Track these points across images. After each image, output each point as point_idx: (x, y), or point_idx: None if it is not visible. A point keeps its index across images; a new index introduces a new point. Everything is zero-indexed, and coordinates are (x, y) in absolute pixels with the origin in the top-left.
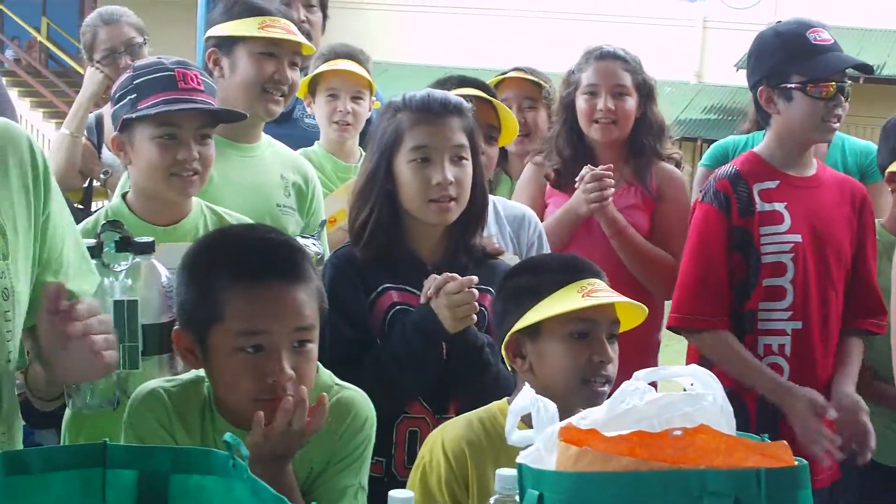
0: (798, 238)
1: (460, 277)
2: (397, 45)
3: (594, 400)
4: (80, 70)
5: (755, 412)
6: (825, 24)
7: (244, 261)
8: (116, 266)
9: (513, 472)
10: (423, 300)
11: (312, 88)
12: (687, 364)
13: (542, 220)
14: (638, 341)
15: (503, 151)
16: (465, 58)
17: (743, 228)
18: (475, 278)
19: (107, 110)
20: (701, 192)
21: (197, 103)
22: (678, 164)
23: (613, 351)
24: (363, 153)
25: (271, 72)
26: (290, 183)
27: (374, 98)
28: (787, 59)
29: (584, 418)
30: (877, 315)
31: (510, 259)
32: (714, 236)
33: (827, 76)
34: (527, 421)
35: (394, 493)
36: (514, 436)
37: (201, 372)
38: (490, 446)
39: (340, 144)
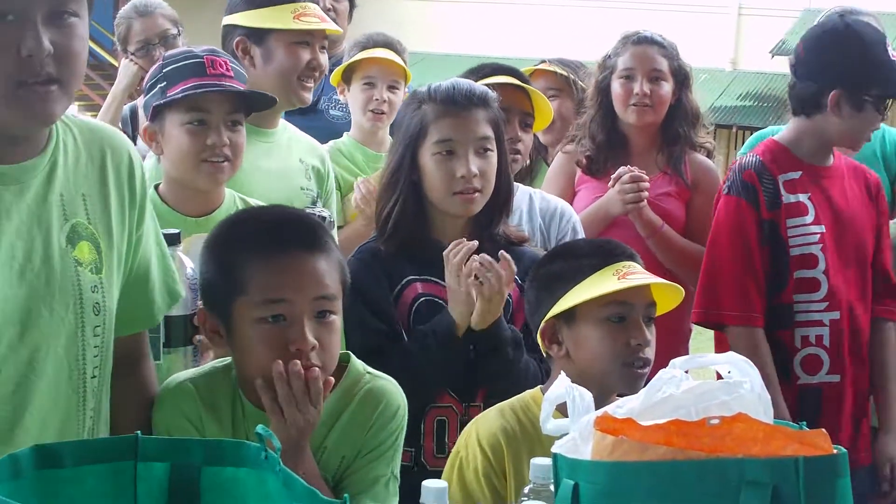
0: (822, 229)
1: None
2: (432, 34)
3: (634, 383)
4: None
5: (796, 406)
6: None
7: (264, 233)
8: None
9: (548, 461)
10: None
11: (347, 76)
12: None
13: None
14: (669, 329)
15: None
16: (499, 47)
17: (772, 221)
18: (475, 243)
19: (141, 102)
20: (726, 183)
21: (225, 87)
22: (710, 154)
23: (651, 333)
24: None
25: (307, 60)
26: (309, 167)
27: (407, 89)
28: (870, 70)
29: (621, 407)
30: (891, 302)
31: (536, 251)
32: (748, 229)
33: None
34: (561, 409)
35: (428, 483)
36: (550, 425)
37: (228, 360)
38: (524, 436)
39: (373, 133)
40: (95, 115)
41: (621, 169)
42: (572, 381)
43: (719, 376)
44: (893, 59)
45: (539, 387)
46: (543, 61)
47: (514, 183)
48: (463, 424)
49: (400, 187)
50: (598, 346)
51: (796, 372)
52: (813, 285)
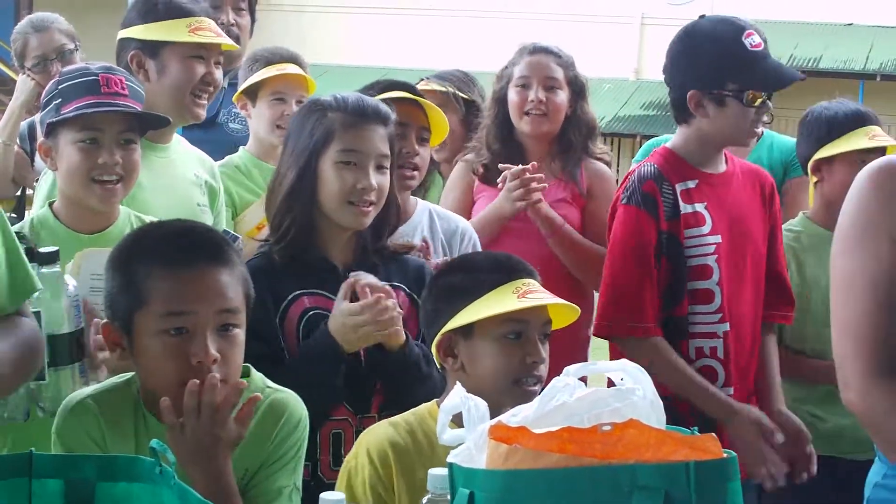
0: (719, 239)
1: (368, 278)
2: (333, 46)
3: (525, 400)
4: (15, 77)
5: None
6: (762, 19)
7: (168, 245)
8: None
9: (444, 471)
10: (335, 309)
11: (251, 91)
12: None
13: (470, 217)
14: (568, 336)
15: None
16: (401, 59)
17: (670, 233)
18: (389, 289)
19: (38, 118)
20: (624, 192)
21: (119, 107)
22: (608, 165)
23: (545, 350)
24: None
25: (202, 74)
26: (202, 181)
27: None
28: (721, 65)
29: (515, 416)
30: (786, 306)
31: (420, 259)
32: (646, 240)
33: (764, 89)
34: (458, 421)
35: (325, 496)
36: (446, 435)
37: (129, 374)
38: (417, 449)
39: (275, 148)
40: None
41: (505, 170)
42: None
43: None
44: (752, 50)
45: (435, 400)
46: (422, 79)
47: (413, 197)
48: (358, 435)
49: (304, 196)
50: (494, 361)
51: None
52: (707, 297)
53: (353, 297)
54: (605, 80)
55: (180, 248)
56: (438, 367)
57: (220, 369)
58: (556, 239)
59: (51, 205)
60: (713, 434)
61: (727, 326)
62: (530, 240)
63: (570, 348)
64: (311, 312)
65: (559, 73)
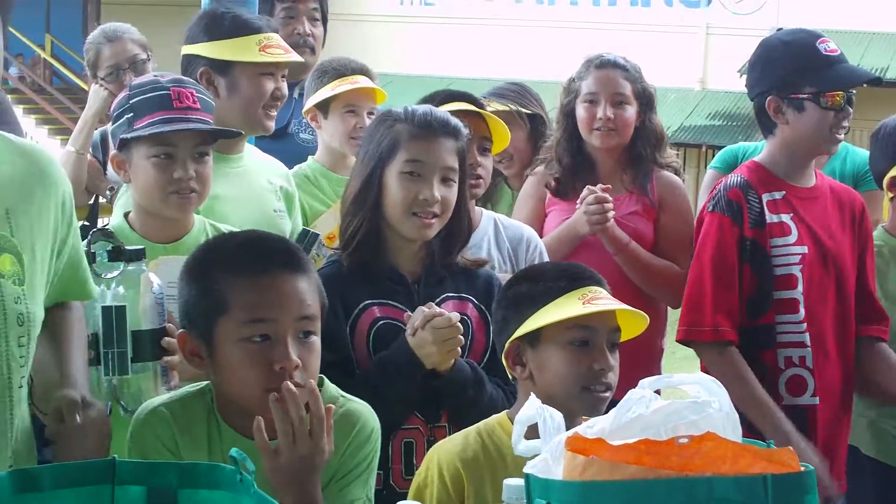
0: (805, 249)
1: (447, 313)
2: (399, 56)
3: (596, 406)
4: (85, 87)
5: None
6: (829, 28)
7: (247, 253)
8: (108, 274)
9: (520, 482)
10: (409, 332)
11: (323, 103)
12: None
13: (542, 231)
14: (641, 348)
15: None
16: (465, 69)
17: (754, 240)
18: (457, 315)
19: (110, 129)
20: (710, 201)
21: (191, 122)
22: (677, 173)
23: (614, 359)
24: None
25: (272, 90)
26: (277, 187)
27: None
28: (797, 69)
29: (591, 427)
30: (880, 322)
31: (502, 276)
32: (728, 247)
33: (839, 88)
34: (529, 432)
35: None
36: (521, 446)
37: (203, 383)
38: (487, 461)
39: (346, 158)
40: (65, 139)
41: (586, 190)
42: None
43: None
44: (826, 54)
45: (505, 411)
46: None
47: (478, 208)
48: (430, 444)
49: (368, 203)
50: (561, 369)
51: (781, 393)
52: (792, 306)
53: None
54: (671, 89)
55: (259, 256)
56: (510, 376)
57: (300, 376)
58: (624, 257)
59: (126, 215)
60: (790, 447)
61: (813, 336)
62: (602, 253)
63: (643, 360)
64: (381, 322)
65: (627, 88)
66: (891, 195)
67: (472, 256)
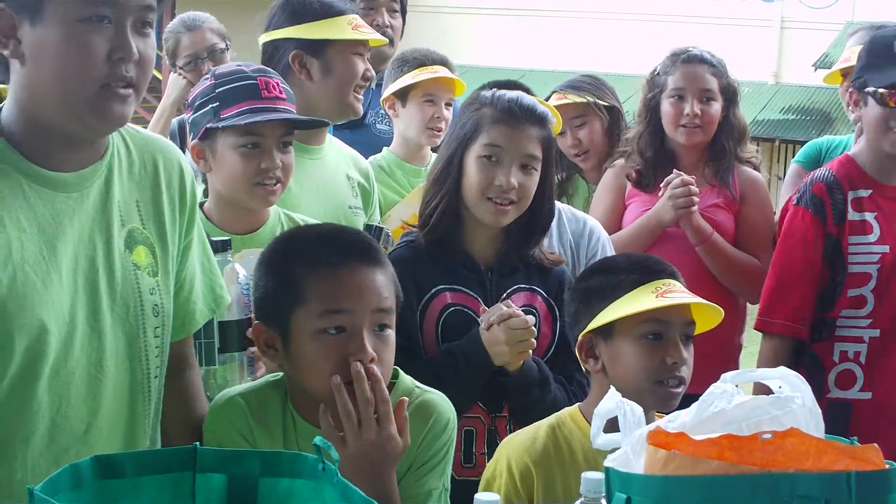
0: (885, 249)
1: (523, 314)
2: (473, 47)
3: (668, 401)
4: (159, 76)
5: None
6: None
7: (324, 246)
8: None
9: (599, 475)
10: (483, 326)
11: (401, 92)
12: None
13: (622, 223)
14: (720, 344)
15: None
16: (541, 61)
17: (835, 237)
18: (533, 319)
19: (189, 118)
20: (796, 193)
21: (280, 112)
22: (756, 168)
23: (688, 353)
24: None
25: (363, 70)
26: (355, 183)
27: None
28: (867, 65)
29: (672, 421)
30: None
31: (563, 268)
32: (809, 240)
33: (889, 86)
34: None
35: (480, 497)
36: (600, 439)
37: (280, 375)
38: (557, 455)
39: (421, 149)
40: (143, 128)
41: (671, 175)
42: None
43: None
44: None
45: (577, 404)
46: (554, 92)
47: None
48: (490, 434)
49: (448, 183)
50: (634, 362)
51: (829, 386)
52: (859, 302)
53: None
54: (744, 83)
55: (336, 248)
56: (583, 368)
57: (376, 369)
58: (706, 248)
59: (201, 205)
60: (875, 445)
61: (876, 332)
62: (680, 247)
63: (721, 356)
64: (452, 308)
65: (713, 84)
66: None
67: (550, 253)
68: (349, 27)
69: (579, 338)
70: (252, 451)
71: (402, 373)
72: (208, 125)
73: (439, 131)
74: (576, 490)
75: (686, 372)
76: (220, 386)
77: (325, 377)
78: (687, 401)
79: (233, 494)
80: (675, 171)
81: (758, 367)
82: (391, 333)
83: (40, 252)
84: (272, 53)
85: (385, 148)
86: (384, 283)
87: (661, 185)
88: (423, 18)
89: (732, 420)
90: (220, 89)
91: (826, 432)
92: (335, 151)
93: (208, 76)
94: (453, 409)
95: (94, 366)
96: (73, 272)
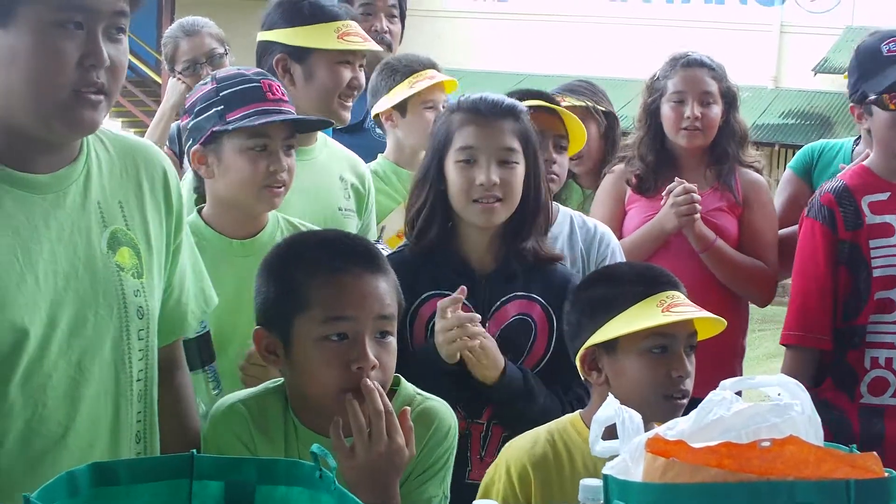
0: None
1: (460, 311)
2: (468, 51)
3: (672, 414)
4: (158, 79)
5: (859, 425)
6: None
7: (327, 252)
8: None
9: (597, 482)
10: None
11: (401, 103)
12: None
13: (623, 229)
14: (723, 347)
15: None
16: (536, 65)
17: (851, 242)
18: (477, 317)
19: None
20: (807, 206)
21: (285, 114)
22: (759, 172)
23: (691, 364)
24: None
25: (349, 79)
26: (349, 185)
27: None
28: (862, 74)
29: (671, 429)
30: None
31: (567, 269)
32: (819, 252)
33: (889, 90)
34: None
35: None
36: (599, 447)
37: (280, 380)
38: (556, 461)
39: (416, 154)
40: (140, 132)
41: (673, 183)
42: None
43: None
44: (887, 55)
45: (578, 411)
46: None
47: (556, 203)
48: (463, 438)
49: (425, 194)
50: (639, 376)
51: (861, 392)
52: (890, 306)
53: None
54: (744, 87)
55: (339, 254)
56: (583, 379)
57: (377, 376)
58: (710, 255)
59: (199, 211)
60: (874, 453)
61: None
62: (681, 255)
63: (726, 359)
64: None
65: (713, 87)
66: None
67: (548, 250)
68: (335, 36)
69: (581, 351)
70: (249, 459)
71: (403, 380)
72: (215, 129)
73: None
74: (574, 497)
75: (689, 384)
76: (203, 401)
77: (326, 384)
78: (690, 404)
79: (230, 502)
80: (676, 178)
81: None
82: (392, 341)
83: (13, 254)
84: (262, 53)
85: (379, 155)
86: (386, 290)
87: (664, 193)
88: (419, 23)
89: (731, 428)
90: (224, 93)
91: (859, 438)
92: (328, 153)
93: (206, 81)
94: (454, 416)
95: (73, 368)
96: (52, 274)
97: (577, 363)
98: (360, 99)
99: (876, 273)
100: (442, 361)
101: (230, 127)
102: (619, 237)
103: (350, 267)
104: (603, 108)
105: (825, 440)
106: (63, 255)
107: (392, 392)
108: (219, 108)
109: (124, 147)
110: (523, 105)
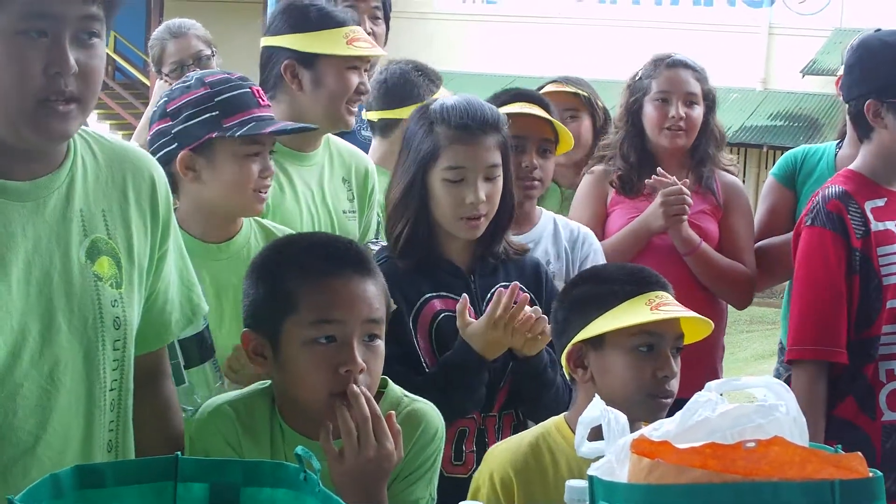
0: None
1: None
2: (458, 53)
3: (657, 413)
4: (146, 81)
5: (881, 445)
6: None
7: (316, 255)
8: None
9: (583, 483)
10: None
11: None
12: None
13: (605, 229)
14: (704, 346)
15: None
16: (525, 66)
17: (862, 251)
18: (526, 297)
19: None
20: (808, 214)
21: (275, 121)
22: (734, 175)
23: (677, 365)
24: None
25: (356, 84)
26: (352, 186)
27: None
28: (864, 75)
29: (657, 429)
30: None
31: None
32: (832, 260)
33: None
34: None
35: None
36: (584, 448)
37: (267, 383)
38: (538, 465)
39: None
40: (128, 135)
41: (660, 177)
42: None
43: None
44: None
45: (563, 414)
46: (554, 81)
47: (539, 207)
48: (479, 433)
49: (411, 207)
50: (625, 374)
51: (881, 408)
52: None
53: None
54: (732, 89)
55: (328, 257)
56: (567, 378)
57: (364, 380)
58: (694, 258)
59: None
60: (858, 453)
61: None
62: (663, 256)
63: (705, 359)
64: (443, 315)
65: (697, 88)
66: None
67: (516, 243)
68: (344, 41)
69: (568, 347)
70: (234, 461)
71: (390, 382)
72: (215, 134)
73: None
74: (558, 500)
75: (675, 385)
76: (205, 396)
77: (314, 387)
78: (675, 407)
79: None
80: (659, 170)
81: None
82: (380, 344)
83: None
84: (267, 59)
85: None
86: (375, 293)
87: (647, 188)
88: (411, 24)
89: (716, 429)
90: (219, 98)
91: (882, 459)
92: (331, 155)
93: (194, 85)
94: (442, 418)
95: (45, 378)
96: (26, 283)
97: (563, 360)
98: None
99: (886, 281)
100: (481, 363)
101: (237, 133)
102: (601, 239)
103: (339, 270)
104: (601, 104)
105: None
106: (38, 265)
107: (380, 394)
108: (214, 114)
109: (113, 154)
110: (507, 110)
